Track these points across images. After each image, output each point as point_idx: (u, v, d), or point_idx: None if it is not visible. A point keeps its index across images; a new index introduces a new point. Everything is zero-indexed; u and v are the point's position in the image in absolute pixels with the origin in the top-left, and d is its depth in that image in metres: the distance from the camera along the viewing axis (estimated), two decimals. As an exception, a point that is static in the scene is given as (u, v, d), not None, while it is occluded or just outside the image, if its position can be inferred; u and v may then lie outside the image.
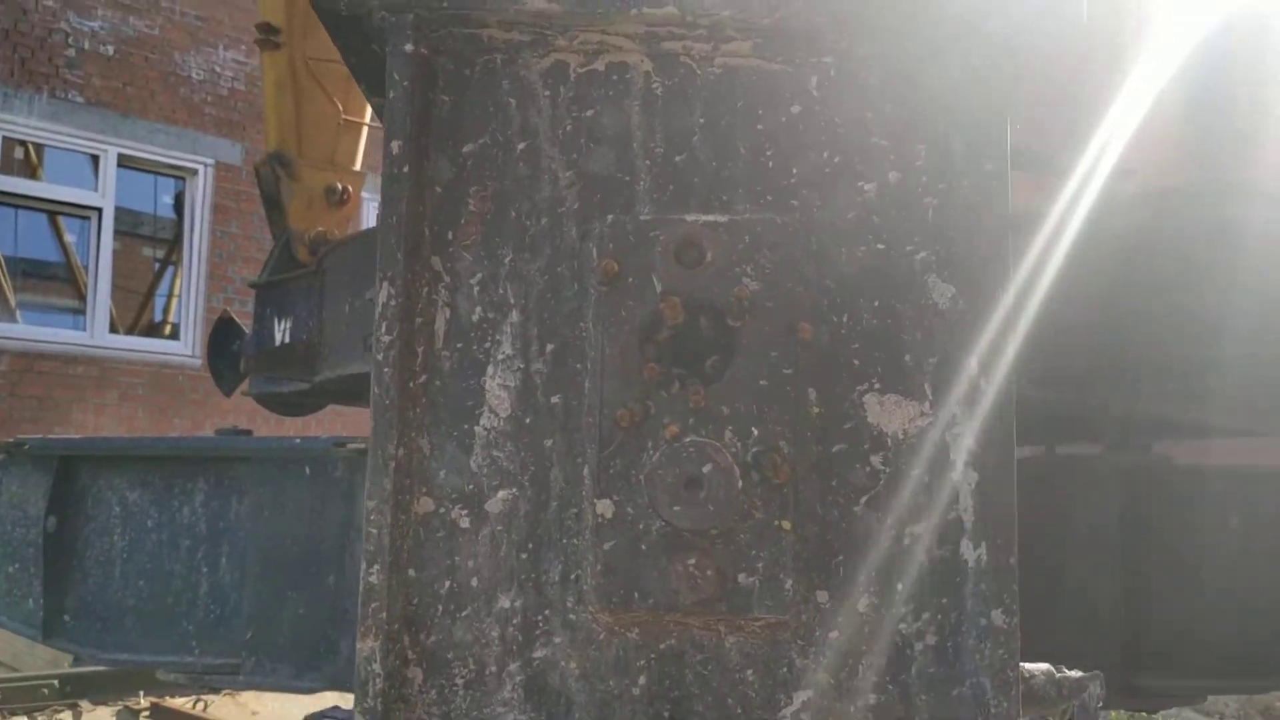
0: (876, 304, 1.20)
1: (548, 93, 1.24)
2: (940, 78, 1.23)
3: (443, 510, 1.18)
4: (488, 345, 1.20)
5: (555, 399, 1.19)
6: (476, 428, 1.19)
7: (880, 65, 1.24)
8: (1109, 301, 2.02)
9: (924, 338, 1.20)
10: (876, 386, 1.19)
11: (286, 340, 3.52)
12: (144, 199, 10.86)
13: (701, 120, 1.23)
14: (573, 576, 1.17)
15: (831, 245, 1.21)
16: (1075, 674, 1.29)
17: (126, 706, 6.31)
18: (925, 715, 1.14)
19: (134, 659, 2.48)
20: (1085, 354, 2.08)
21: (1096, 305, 2.00)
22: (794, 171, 1.22)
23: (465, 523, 1.18)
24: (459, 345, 1.20)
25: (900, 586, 1.16)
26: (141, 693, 6.25)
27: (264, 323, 3.74)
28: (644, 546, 1.13)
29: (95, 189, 9.98)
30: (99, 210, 10.00)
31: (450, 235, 1.21)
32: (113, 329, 10.29)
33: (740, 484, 1.11)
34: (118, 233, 10.31)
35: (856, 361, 1.20)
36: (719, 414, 1.15)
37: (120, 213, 10.29)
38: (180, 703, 6.19)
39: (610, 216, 1.19)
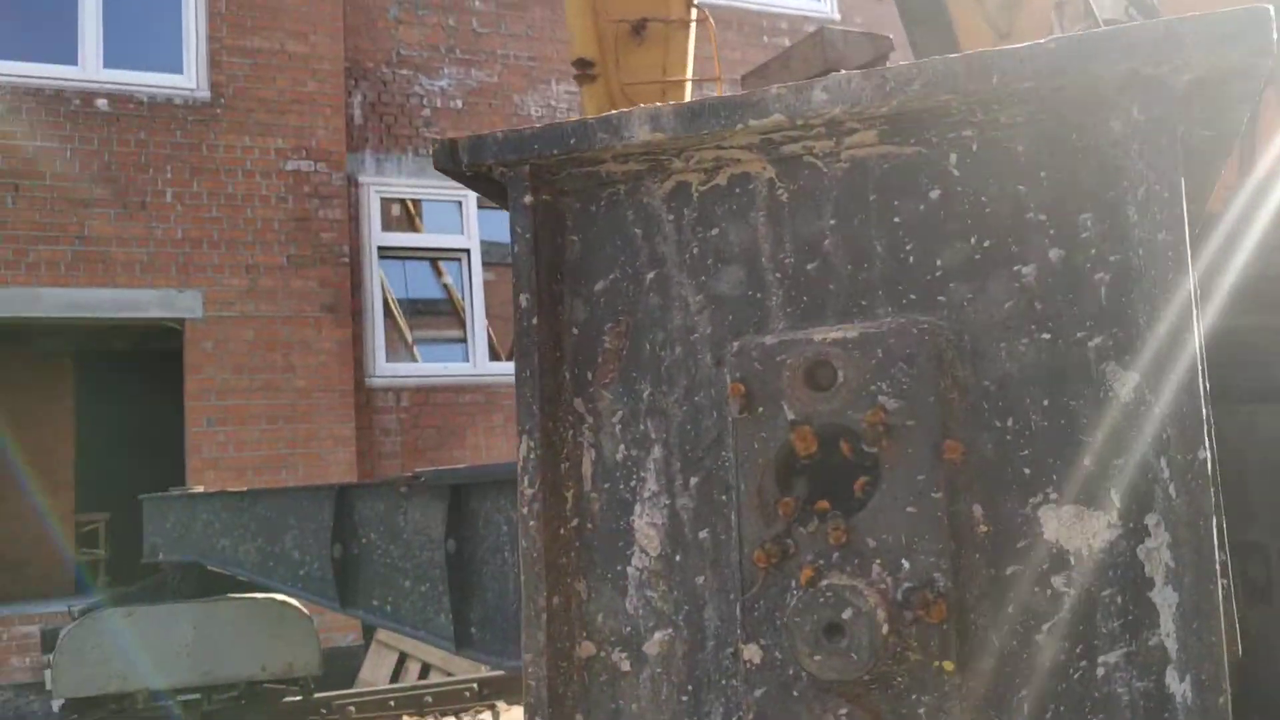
0: (1046, 403, 1.07)
1: (671, 217, 1.20)
2: (1103, 135, 1.06)
3: (603, 654, 1.18)
4: (633, 483, 1.19)
5: (704, 534, 1.16)
6: (629, 568, 1.18)
7: (1031, 130, 1.09)
8: None
9: (1106, 437, 1.05)
10: (1053, 497, 1.06)
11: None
12: (505, 231, 11.77)
13: (832, 222, 1.15)
14: (735, 719, 1.13)
15: (988, 342, 1.09)
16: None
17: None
18: None
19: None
20: None
21: None
22: (938, 264, 1.11)
23: (626, 666, 1.18)
24: (606, 486, 1.20)
25: (1099, 725, 1.03)
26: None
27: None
28: (795, 693, 1.07)
29: (462, 232, 10.93)
30: (467, 251, 10.94)
31: (589, 376, 1.21)
32: (494, 356, 11.21)
33: (885, 628, 1.02)
34: (487, 264, 11.21)
35: (1027, 470, 1.07)
36: (864, 548, 1.06)
37: (488, 246, 11.18)
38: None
39: (737, 343, 1.14)
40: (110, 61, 10.15)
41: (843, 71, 1.10)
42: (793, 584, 1.07)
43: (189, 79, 10.18)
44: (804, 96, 1.09)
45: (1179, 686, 0.99)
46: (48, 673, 7.35)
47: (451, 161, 1.21)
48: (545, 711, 1.14)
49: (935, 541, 1.04)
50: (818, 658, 1.04)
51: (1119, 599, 1.03)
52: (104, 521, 11.16)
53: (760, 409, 1.11)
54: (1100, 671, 1.03)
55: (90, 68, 10.08)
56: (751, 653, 1.09)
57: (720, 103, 1.12)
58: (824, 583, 1.04)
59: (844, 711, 1.04)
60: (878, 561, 1.06)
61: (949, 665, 1.03)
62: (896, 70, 1.07)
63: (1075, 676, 1.03)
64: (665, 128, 1.14)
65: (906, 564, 1.05)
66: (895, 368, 1.07)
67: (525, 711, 1.15)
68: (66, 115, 9.82)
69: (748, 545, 1.10)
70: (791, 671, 1.07)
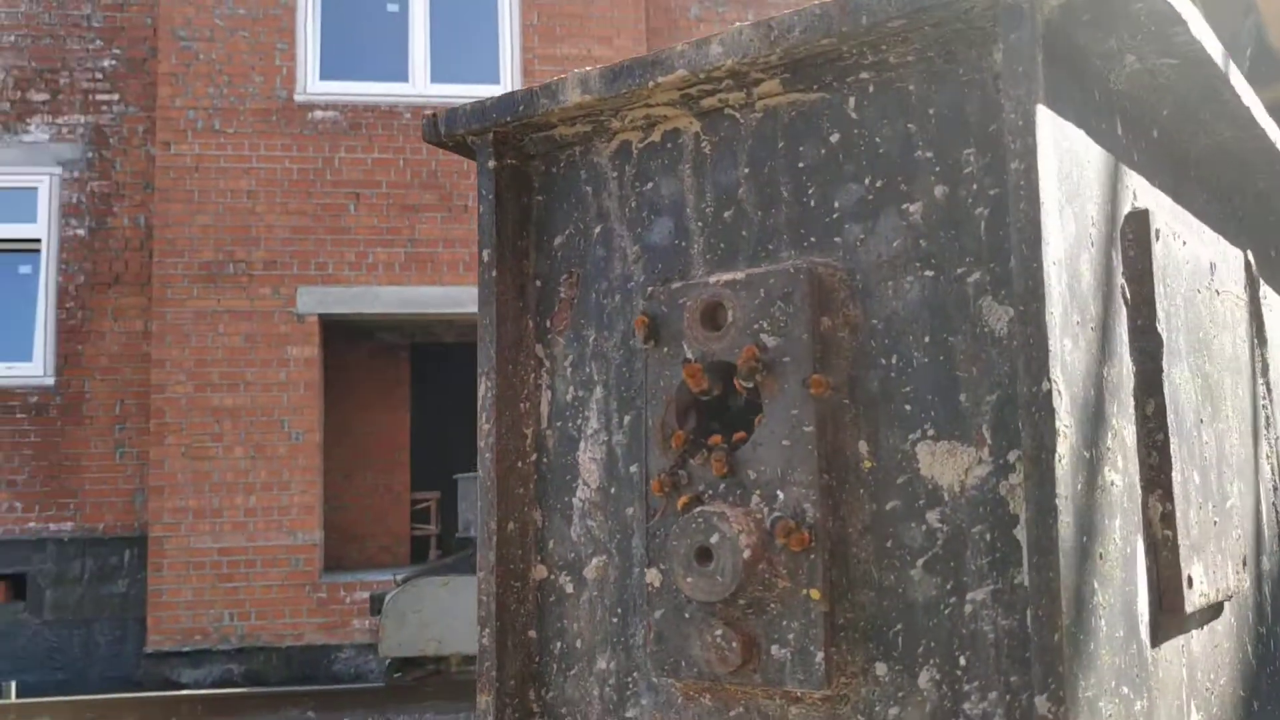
0: (927, 340, 1.07)
1: (615, 174, 1.29)
2: (986, 68, 1.05)
3: (552, 577, 1.29)
4: (579, 422, 1.29)
5: (633, 468, 1.24)
6: (574, 499, 1.28)
7: (920, 68, 1.09)
8: None
9: (980, 373, 1.04)
10: (930, 433, 1.06)
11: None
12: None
13: (746, 170, 1.19)
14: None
15: (877, 281, 1.10)
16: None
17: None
18: (999, 813, 0.99)
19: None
20: None
21: None
22: (836, 206, 1.13)
23: (570, 588, 1.28)
24: (558, 424, 1.30)
25: (964, 661, 1.02)
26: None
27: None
28: (687, 615, 1.13)
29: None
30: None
31: (548, 324, 1.32)
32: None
33: (747, 553, 1.07)
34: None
35: (908, 407, 1.07)
36: (746, 480, 1.11)
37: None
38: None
39: (650, 288, 1.21)
40: (436, 76, 11.14)
41: (736, 24, 1.14)
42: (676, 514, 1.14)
43: (505, 88, 10.98)
44: (702, 51, 1.15)
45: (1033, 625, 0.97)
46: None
47: (434, 134, 1.36)
48: (492, 624, 1.27)
49: (806, 474, 1.08)
50: (689, 579, 1.10)
51: (988, 536, 1.02)
52: (435, 499, 12.26)
53: (665, 349, 1.18)
54: (968, 609, 1.02)
55: (419, 83, 11.11)
56: (653, 576, 1.16)
57: (635, 63, 1.20)
58: (697, 509, 1.10)
59: (719, 633, 1.09)
60: (757, 493, 1.10)
61: (815, 593, 1.06)
62: (780, 19, 1.11)
63: (945, 613, 1.03)
64: (592, 89, 1.23)
65: (781, 495, 1.09)
66: (774, 307, 1.11)
67: (478, 624, 1.28)
68: (399, 129, 10.88)
69: (650, 476, 1.17)
70: (683, 594, 1.13)
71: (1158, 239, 1.17)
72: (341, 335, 11.76)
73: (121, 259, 11.50)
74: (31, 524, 10.93)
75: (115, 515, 11.13)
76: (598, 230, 1.29)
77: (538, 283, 1.34)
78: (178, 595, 10.35)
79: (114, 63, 11.78)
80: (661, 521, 1.16)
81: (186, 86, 10.99)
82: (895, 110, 1.10)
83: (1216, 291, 1.42)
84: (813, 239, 1.14)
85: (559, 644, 1.28)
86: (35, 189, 11.43)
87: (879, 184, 1.11)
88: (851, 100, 1.13)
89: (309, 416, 10.71)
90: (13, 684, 9.19)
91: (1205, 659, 1.26)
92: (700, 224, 1.22)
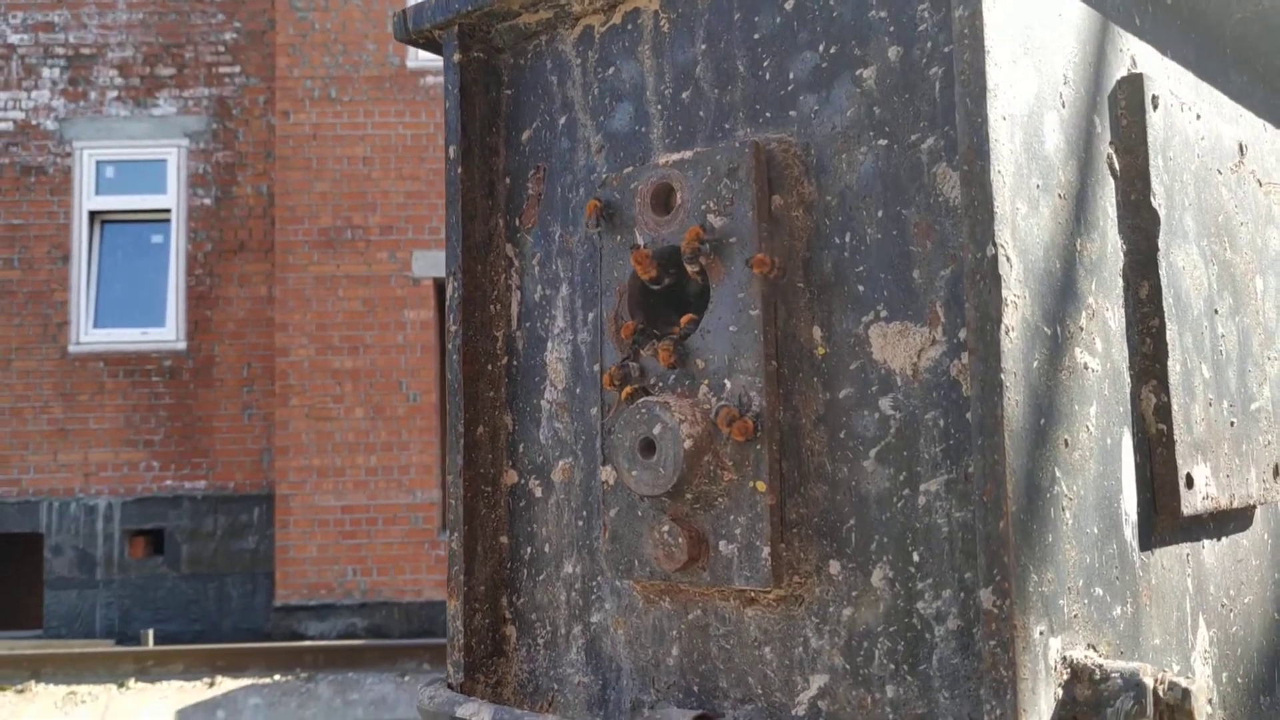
0: (880, 214, 0.99)
1: (579, 61, 1.23)
2: (943, -89, 0.96)
3: (523, 481, 1.25)
4: (546, 321, 1.24)
5: (596, 367, 1.19)
6: (543, 401, 1.24)
7: (876, -79, 1.01)
8: None
9: (934, 246, 0.95)
10: (883, 314, 0.98)
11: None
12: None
13: (703, 47, 1.13)
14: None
15: (831, 154, 1.02)
16: (1184, 680, 0.88)
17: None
18: (949, 716, 0.92)
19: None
20: None
21: None
22: (790, 78, 1.06)
23: (539, 492, 1.24)
24: (527, 325, 1.26)
25: (917, 557, 0.95)
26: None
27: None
28: (639, 513, 1.08)
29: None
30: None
31: (518, 222, 1.28)
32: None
33: (689, 443, 1.01)
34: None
35: (861, 288, 1.00)
36: (694, 370, 1.05)
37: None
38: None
39: (605, 175, 1.15)
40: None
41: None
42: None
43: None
44: (649, -81, 1.09)
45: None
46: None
47: (404, 31, 1.33)
48: (462, 529, 1.24)
49: (752, 360, 1.01)
50: (634, 473, 1.05)
51: (941, 422, 0.94)
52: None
53: (618, 237, 1.12)
54: (922, 501, 0.95)
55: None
56: (607, 474, 1.11)
57: (586, -62, 1.14)
58: (641, 400, 1.05)
59: (665, 529, 1.04)
60: (705, 382, 1.04)
61: (761, 485, 1.00)
62: (724, -124, 1.03)
63: (899, 506, 0.96)
64: (547, -30, 1.18)
65: (728, 384, 1.03)
66: (721, 185, 1.04)
67: (448, 528, 1.26)
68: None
69: (604, 371, 1.12)
70: (634, 492, 1.08)
71: (1155, 107, 1.06)
72: (454, 297, 11.94)
73: (246, 227, 11.89)
74: (168, 482, 11.45)
75: (245, 474, 11.58)
76: (563, 121, 1.24)
77: (507, 180, 1.29)
78: (304, 551, 10.72)
79: (235, 35, 12.13)
80: (612, 417, 1.11)
81: (303, 56, 11.25)
82: (850, -32, 1.02)
83: (1258, 181, 1.29)
84: (768, 114, 1.07)
85: (529, 549, 1.24)
86: (165, 161, 11.88)
87: (833, 50, 1.03)
88: (807, -38, 1.05)
89: (426, 378, 10.92)
90: (150, 632, 9.66)
91: (1222, 572, 1.15)
92: (660, 107, 1.15)
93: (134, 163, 11.85)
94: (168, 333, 11.61)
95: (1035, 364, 0.90)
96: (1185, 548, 1.09)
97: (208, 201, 11.81)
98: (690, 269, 1.05)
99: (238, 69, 12.09)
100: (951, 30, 0.94)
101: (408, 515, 10.83)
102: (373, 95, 11.19)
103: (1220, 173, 1.19)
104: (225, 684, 8.71)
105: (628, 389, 1.07)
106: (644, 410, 1.04)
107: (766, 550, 0.99)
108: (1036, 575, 0.87)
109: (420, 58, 11.19)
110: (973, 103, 0.88)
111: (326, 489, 10.77)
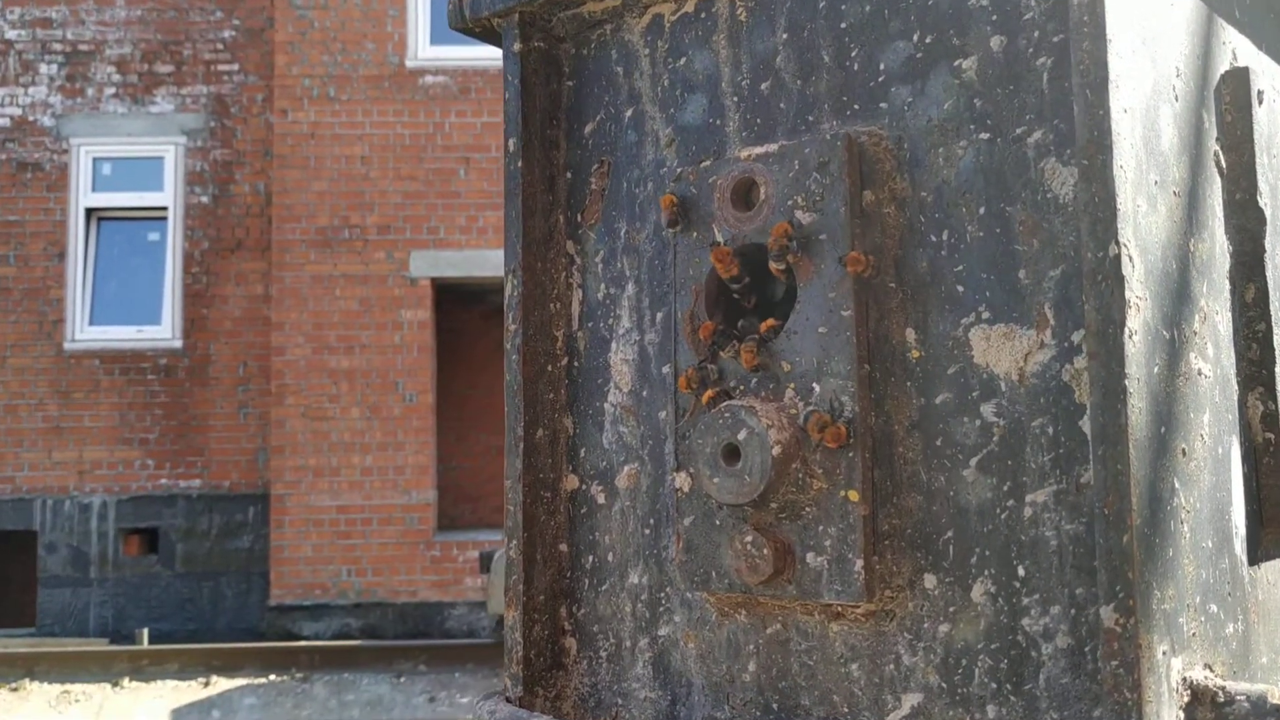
0: (982, 211, 0.94)
1: (647, 51, 1.18)
2: (1052, -106, 0.92)
3: (584, 487, 1.20)
4: (610, 321, 1.19)
5: (665, 369, 1.14)
6: (606, 404, 1.19)
7: (977, -96, 0.96)
8: None
9: (1042, 245, 0.91)
10: (985, 316, 0.93)
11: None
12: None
13: (784, 36, 1.08)
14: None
15: (926, 148, 0.98)
16: (1317, 706, 0.84)
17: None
18: (1059, 740, 0.87)
19: None
20: None
21: None
22: (881, 68, 1.01)
23: (601, 499, 1.19)
24: (590, 324, 1.21)
25: (1023, 572, 0.90)
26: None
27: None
28: (717, 522, 1.04)
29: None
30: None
31: (579, 218, 1.23)
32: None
33: (777, 450, 0.96)
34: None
35: (960, 288, 0.95)
36: (779, 372, 1.00)
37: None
38: None
39: (680, 169, 1.10)
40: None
41: None
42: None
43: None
44: (733, -99, 1.04)
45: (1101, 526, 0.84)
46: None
47: (460, 20, 1.27)
48: (520, 536, 1.19)
49: (844, 363, 0.96)
50: (716, 480, 1.00)
51: (1050, 429, 0.89)
52: (545, 460, 12.32)
53: (695, 234, 1.07)
54: (1028, 513, 0.90)
55: (525, 46, 11.05)
56: (681, 480, 1.06)
57: (663, -78, 1.09)
58: (724, 404, 1.00)
59: (749, 539, 0.99)
60: (791, 386, 0.99)
61: (854, 495, 0.95)
62: None
63: (1002, 518, 0.91)
64: (619, -44, 1.13)
65: (817, 388, 0.98)
66: (810, 180, 0.99)
67: (505, 534, 1.20)
68: (508, 91, 10.86)
69: (679, 373, 1.07)
70: (713, 500, 1.03)
71: (1260, 102, 1.02)
72: (453, 298, 11.89)
73: (243, 225, 11.81)
74: (163, 480, 11.37)
75: (240, 473, 11.50)
76: (629, 114, 1.19)
77: (568, 174, 1.24)
78: (298, 551, 10.65)
79: (233, 33, 12.06)
80: (689, 421, 1.06)
81: (302, 55, 11.19)
82: (948, -46, 0.97)
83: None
84: (856, 106, 1.02)
85: (591, 557, 1.19)
86: (162, 158, 11.81)
87: (928, 40, 0.98)
88: (900, -53, 1.00)
89: (422, 378, 10.87)
90: (145, 631, 9.58)
91: (1318, 586, 1.11)
92: (736, 99, 1.11)
93: (131, 160, 11.77)
94: (163, 331, 11.53)
95: (1155, 370, 0.85)
96: None
97: (205, 199, 11.74)
98: (776, 267, 1.00)
99: (236, 67, 12.02)
100: (1064, 18, 0.89)
101: (403, 516, 10.77)
102: (371, 95, 11.13)
103: (1314, 172, 1.15)
104: (220, 684, 8.64)
105: (708, 392, 1.02)
106: (728, 414, 0.99)
107: (860, 563, 0.94)
108: (1159, 592, 0.82)
109: (420, 57, 11.14)
110: (1093, 94, 0.83)
111: (322, 489, 10.70)
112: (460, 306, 12.27)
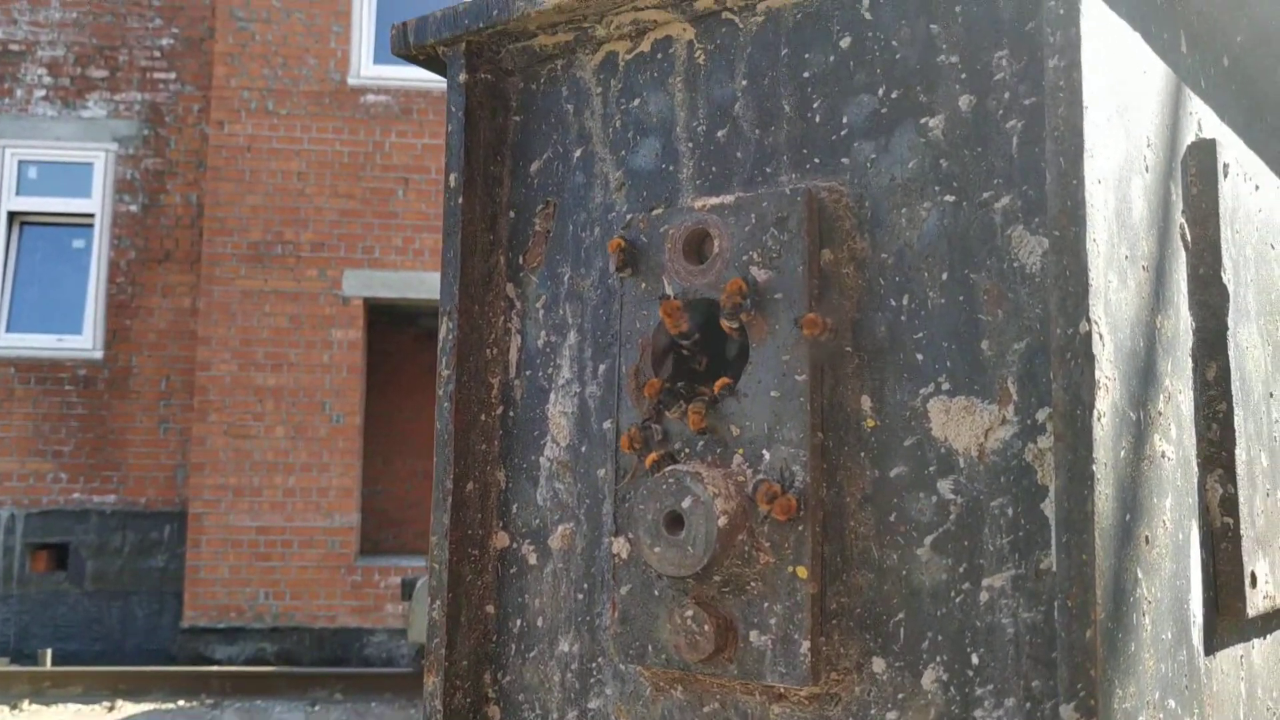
0: (945, 276, 0.90)
1: (600, 89, 1.13)
2: (1027, -48, 0.88)
3: (515, 545, 1.14)
4: (550, 370, 1.13)
5: (606, 424, 1.08)
6: (542, 458, 1.13)
7: (949, -42, 0.93)
8: None
9: (1007, 316, 0.87)
10: (945, 387, 0.89)
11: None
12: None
13: (744, 83, 1.03)
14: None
15: (889, 208, 0.93)
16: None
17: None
18: (1011, 843, 0.82)
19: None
20: None
21: None
22: (844, 121, 0.97)
23: (533, 559, 1.12)
24: (528, 373, 1.15)
25: (977, 660, 0.85)
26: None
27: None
28: (656, 592, 0.98)
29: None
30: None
31: (521, 260, 1.17)
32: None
33: (723, 520, 0.91)
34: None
35: (920, 357, 0.90)
36: (728, 436, 0.95)
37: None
38: None
39: (630, 216, 1.05)
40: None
41: (735, -92, 0.98)
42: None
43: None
44: (696, -60, 0.99)
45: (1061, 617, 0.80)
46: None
47: (403, 45, 1.21)
48: (445, 596, 1.11)
49: (796, 431, 0.91)
50: (657, 549, 0.94)
51: (1010, 511, 0.85)
52: (473, 486, 12.15)
53: (643, 284, 1.02)
54: (984, 597, 0.85)
55: (470, 69, 10.98)
56: (619, 546, 1.00)
57: (621, -43, 1.04)
58: (669, 468, 0.94)
59: (689, 614, 0.93)
60: (740, 451, 0.94)
61: (802, 571, 0.90)
62: (785, -102, 0.94)
63: (957, 601, 0.87)
64: (573, -11, 1.08)
65: (767, 455, 0.93)
66: (767, 235, 0.94)
67: (430, 594, 1.13)
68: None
69: (621, 431, 1.01)
70: (652, 568, 0.97)
71: (1226, 176, 0.99)
72: (386, 319, 11.71)
73: (173, 236, 11.54)
74: (76, 495, 11.00)
75: (157, 490, 11.17)
76: (578, 154, 1.14)
77: (511, 214, 1.18)
78: (215, 572, 10.35)
79: (172, 41, 11.83)
80: (631, 483, 1.00)
81: (242, 67, 10.99)
82: (916, 9, 0.94)
83: (1293, 255, 1.23)
84: (816, 160, 0.97)
85: (519, 621, 1.12)
86: (91, 164, 11.51)
87: (894, 95, 0.94)
88: (867, 0, 0.96)
89: (350, 399, 10.66)
90: (48, 651, 9.23)
91: (1268, 673, 1.08)
92: (691, 145, 1.06)
93: (59, 164, 11.45)
94: (84, 341, 11.19)
95: (1122, 453, 0.81)
96: (1240, 649, 1.01)
97: (134, 209, 11.45)
98: (728, 325, 0.94)
99: (173, 75, 11.77)
100: (1037, 81, 0.86)
101: (325, 539, 10.52)
102: (311, 110, 10.96)
103: (1273, 247, 1.13)
104: (126, 708, 8.33)
105: (652, 455, 0.97)
106: (672, 480, 0.93)
107: (806, 644, 0.89)
108: (1120, 690, 0.78)
109: (363, 75, 11.01)
110: (1068, 163, 0.80)
111: (242, 508, 10.42)
112: (393, 328, 12.09)
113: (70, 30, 11.63)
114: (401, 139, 11.01)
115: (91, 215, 11.34)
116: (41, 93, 11.46)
